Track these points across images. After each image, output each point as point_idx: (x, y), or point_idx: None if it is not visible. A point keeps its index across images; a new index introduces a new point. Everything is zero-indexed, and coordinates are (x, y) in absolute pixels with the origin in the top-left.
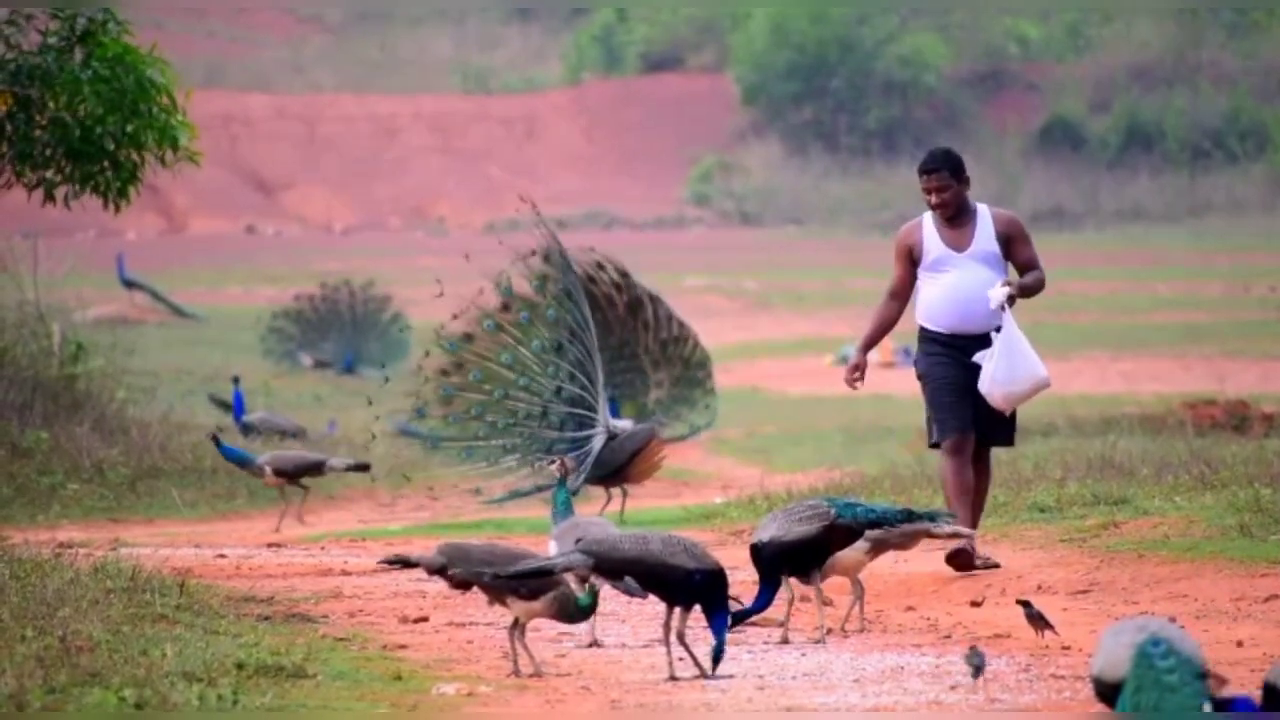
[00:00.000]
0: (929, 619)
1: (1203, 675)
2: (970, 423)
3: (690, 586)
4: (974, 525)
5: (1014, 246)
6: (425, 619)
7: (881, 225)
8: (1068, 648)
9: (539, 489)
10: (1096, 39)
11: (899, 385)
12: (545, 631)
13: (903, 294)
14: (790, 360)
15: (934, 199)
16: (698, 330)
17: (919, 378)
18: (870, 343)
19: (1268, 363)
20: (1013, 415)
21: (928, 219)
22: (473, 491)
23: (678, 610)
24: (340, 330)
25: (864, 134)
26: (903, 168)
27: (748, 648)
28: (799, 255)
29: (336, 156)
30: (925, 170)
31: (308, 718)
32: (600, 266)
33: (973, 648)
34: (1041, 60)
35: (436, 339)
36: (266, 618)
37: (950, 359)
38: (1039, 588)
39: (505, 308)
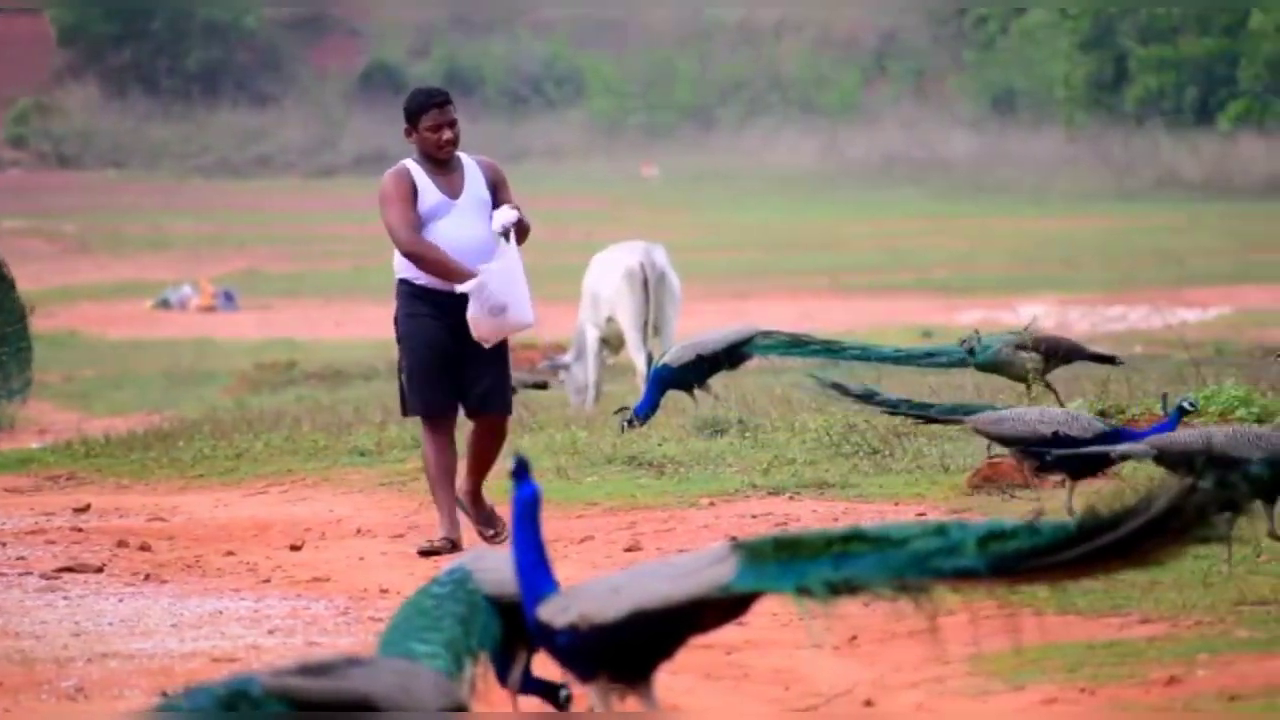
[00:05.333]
0: (249, 563)
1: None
2: (452, 396)
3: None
4: (477, 489)
5: (500, 193)
6: None
7: (202, 168)
8: (386, 590)
9: None
10: None
11: (220, 329)
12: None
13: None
14: (110, 304)
15: (447, 134)
16: (17, 275)
17: (398, 340)
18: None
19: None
20: (506, 379)
21: (413, 166)
22: None
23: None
24: None
25: (185, 76)
26: (223, 111)
27: (64, 594)
28: (119, 198)
29: None
30: (437, 104)
31: None
32: None
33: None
34: (362, 4)
35: None
36: None
37: (435, 319)
38: (359, 531)
39: None
